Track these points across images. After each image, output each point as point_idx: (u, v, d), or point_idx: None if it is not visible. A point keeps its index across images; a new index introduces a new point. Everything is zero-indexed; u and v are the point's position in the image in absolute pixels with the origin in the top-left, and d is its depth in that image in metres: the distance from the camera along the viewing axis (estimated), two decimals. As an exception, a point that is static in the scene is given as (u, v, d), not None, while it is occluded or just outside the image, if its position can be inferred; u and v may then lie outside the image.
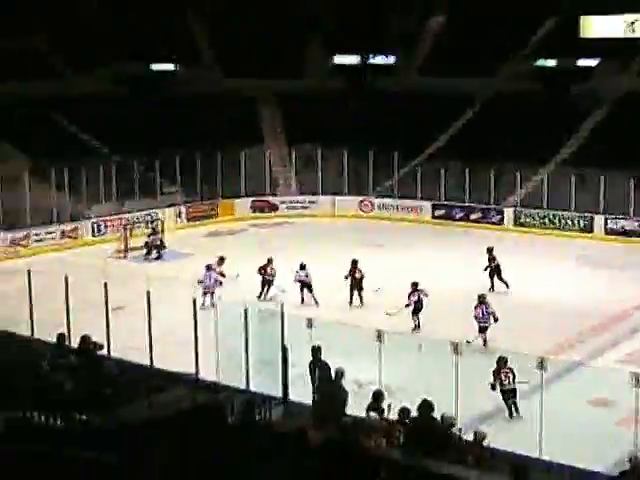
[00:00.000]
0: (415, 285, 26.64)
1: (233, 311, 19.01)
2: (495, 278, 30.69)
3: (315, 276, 29.62)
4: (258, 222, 43.84)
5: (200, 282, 28.58)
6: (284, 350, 18.42)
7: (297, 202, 46.05)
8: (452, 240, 38.83)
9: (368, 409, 15.68)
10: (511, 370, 19.27)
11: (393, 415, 15.32)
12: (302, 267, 29.62)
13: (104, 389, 15.07)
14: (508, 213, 42.15)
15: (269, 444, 11.89)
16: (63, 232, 38.62)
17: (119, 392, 14.98)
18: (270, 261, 30.19)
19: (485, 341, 24.37)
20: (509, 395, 19.40)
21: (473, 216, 42.82)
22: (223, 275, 29.36)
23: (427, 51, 53.86)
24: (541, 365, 16.24)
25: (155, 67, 50.22)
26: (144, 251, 36.41)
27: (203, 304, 26.19)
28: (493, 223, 42.23)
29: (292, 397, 18.47)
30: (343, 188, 45.71)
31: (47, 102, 44.27)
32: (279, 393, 18.40)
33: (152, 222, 39.30)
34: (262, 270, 30.03)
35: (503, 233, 40.79)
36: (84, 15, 48.46)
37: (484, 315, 24.63)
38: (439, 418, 14.47)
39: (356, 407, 16.07)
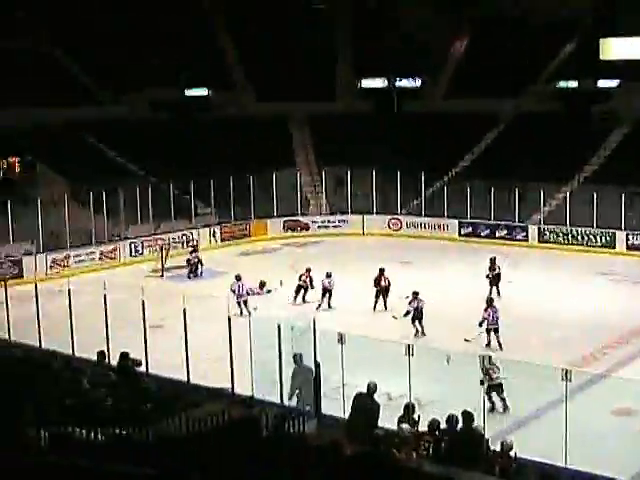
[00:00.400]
0: (415, 294, 27.38)
1: (267, 326, 19.05)
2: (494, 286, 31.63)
3: (345, 289, 30.90)
4: (290, 241, 43.89)
5: (232, 291, 29.74)
6: (317, 365, 18.42)
7: (328, 222, 46.11)
8: (478, 257, 38.65)
9: (399, 421, 15.67)
10: (496, 366, 19.81)
11: (422, 427, 15.32)
12: (328, 275, 31.06)
13: (143, 405, 15.13)
14: (533, 230, 41.95)
15: (303, 457, 11.89)
16: (102, 253, 38.80)
17: (157, 408, 15.04)
18: (308, 270, 31.78)
19: (500, 344, 25.21)
20: (497, 389, 19.94)
21: (499, 233, 42.67)
22: (260, 292, 30.71)
23: (452, 73, 53.96)
24: (566, 376, 16.19)
25: (189, 92, 50.58)
26: (187, 269, 36.63)
27: (241, 313, 28.58)
28: (518, 240, 42.05)
29: (324, 411, 18.45)
30: (372, 207, 45.72)
31: (86, 127, 44.75)
32: (312, 407, 18.39)
33: (188, 242, 39.62)
34: (300, 277, 31.69)
35: (528, 249, 40.73)
36: (121, 43, 48.87)
37: (493, 318, 25.48)
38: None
39: (387, 420, 16.06)
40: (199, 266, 36.54)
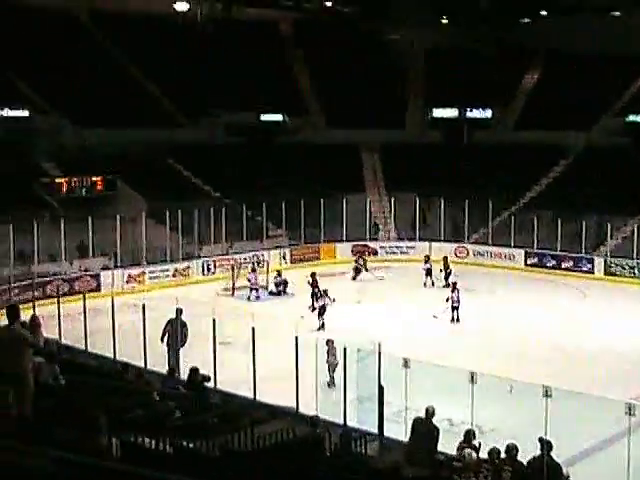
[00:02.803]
0: (325, 291, 31.35)
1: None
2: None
3: (400, 314, 32.17)
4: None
5: (248, 280, 36.16)
6: (381, 389, 18.36)
7: (395, 247, 45.97)
8: (541, 287, 38.34)
9: (460, 447, 15.52)
10: (336, 348, 22.44)
11: (482, 454, 15.14)
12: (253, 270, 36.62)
13: (210, 419, 15.18)
14: (599, 262, 41.37)
15: (364, 477, 11.85)
16: (176, 270, 39.15)
17: (223, 422, 15.07)
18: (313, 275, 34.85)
19: (458, 318, 31.54)
20: (334, 368, 22.62)
21: (565, 264, 42.14)
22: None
23: (522, 105, 53.69)
24: (629, 411, 15.88)
25: (264, 117, 50.94)
26: (272, 289, 37.13)
27: (249, 298, 35.17)
28: (584, 272, 41.49)
29: (387, 433, 18.37)
30: (440, 235, 45.48)
31: (165, 149, 45.30)
32: (375, 429, 18.31)
33: (259, 262, 39.80)
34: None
35: (594, 282, 40.12)
36: (200, 69, 49.50)
37: (457, 300, 31.85)
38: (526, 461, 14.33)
39: (448, 445, 15.91)
40: (282, 286, 36.96)
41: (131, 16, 49.34)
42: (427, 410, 16.25)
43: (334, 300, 32.87)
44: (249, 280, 36.50)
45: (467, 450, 15.02)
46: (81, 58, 46.93)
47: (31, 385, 11.22)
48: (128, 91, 47.34)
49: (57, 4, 47.16)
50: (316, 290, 32.67)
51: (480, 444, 15.65)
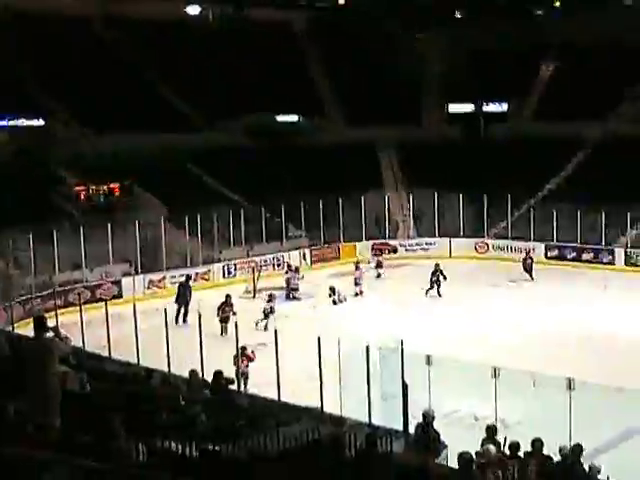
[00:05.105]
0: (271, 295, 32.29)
1: (356, 346, 19.14)
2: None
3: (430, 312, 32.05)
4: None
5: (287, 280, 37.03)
6: (404, 386, 18.44)
7: (415, 245, 46.01)
8: (562, 279, 38.32)
9: (483, 443, 15.58)
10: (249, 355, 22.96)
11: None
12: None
13: (235, 422, 15.31)
14: (619, 253, 41.34)
15: (391, 476, 11.95)
16: (196, 274, 39.28)
17: (249, 425, 15.19)
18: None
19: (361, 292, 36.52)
20: (245, 377, 22.81)
21: (585, 256, 42.14)
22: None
23: (539, 97, 53.65)
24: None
25: (280, 118, 51.08)
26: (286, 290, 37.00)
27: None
28: (604, 263, 41.48)
29: (412, 430, 18.44)
30: (459, 231, 45.52)
31: (182, 152, 45.43)
32: (400, 426, 18.38)
33: (279, 264, 40.04)
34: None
35: (614, 273, 40.05)
36: (214, 70, 49.73)
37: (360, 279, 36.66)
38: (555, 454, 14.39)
39: (473, 441, 15.98)
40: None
41: (144, 21, 49.57)
42: (424, 416, 16.04)
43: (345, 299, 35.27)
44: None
45: (488, 446, 15.08)
46: (95, 64, 47.12)
47: (58, 395, 11.39)
48: (144, 96, 47.57)
49: (70, 11, 47.37)
50: (227, 309, 30.32)
51: (506, 439, 15.71)
